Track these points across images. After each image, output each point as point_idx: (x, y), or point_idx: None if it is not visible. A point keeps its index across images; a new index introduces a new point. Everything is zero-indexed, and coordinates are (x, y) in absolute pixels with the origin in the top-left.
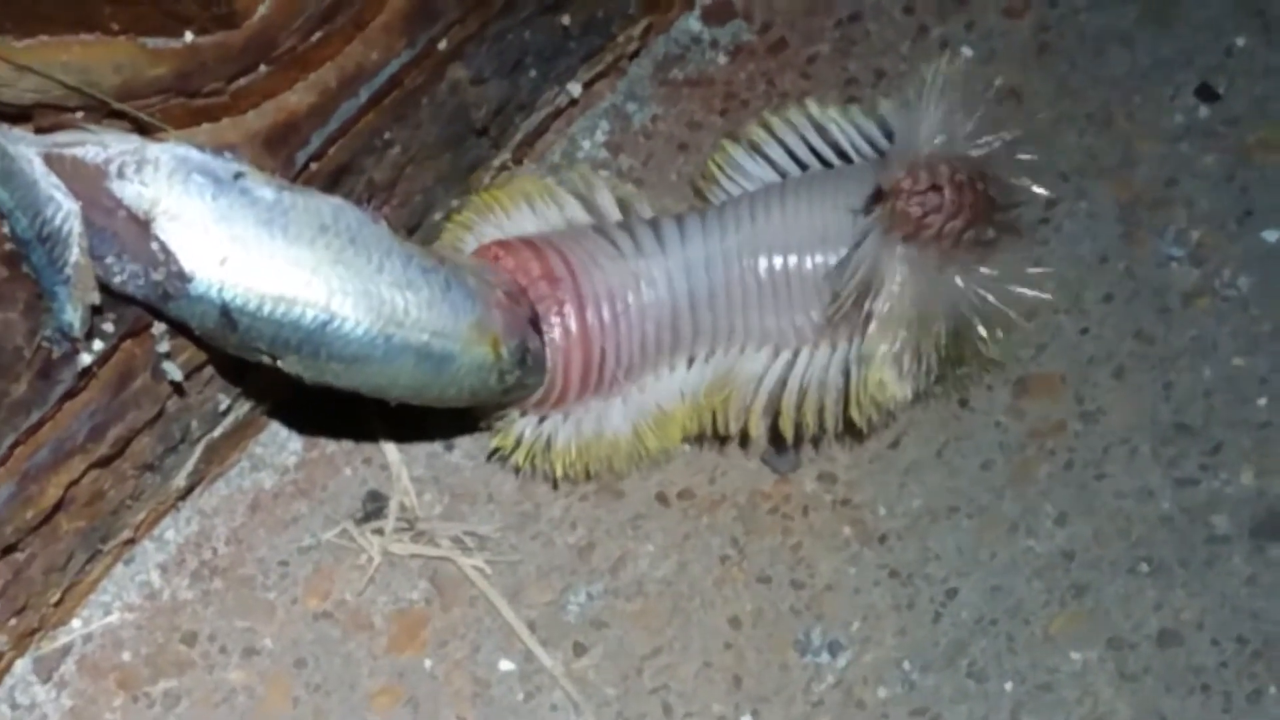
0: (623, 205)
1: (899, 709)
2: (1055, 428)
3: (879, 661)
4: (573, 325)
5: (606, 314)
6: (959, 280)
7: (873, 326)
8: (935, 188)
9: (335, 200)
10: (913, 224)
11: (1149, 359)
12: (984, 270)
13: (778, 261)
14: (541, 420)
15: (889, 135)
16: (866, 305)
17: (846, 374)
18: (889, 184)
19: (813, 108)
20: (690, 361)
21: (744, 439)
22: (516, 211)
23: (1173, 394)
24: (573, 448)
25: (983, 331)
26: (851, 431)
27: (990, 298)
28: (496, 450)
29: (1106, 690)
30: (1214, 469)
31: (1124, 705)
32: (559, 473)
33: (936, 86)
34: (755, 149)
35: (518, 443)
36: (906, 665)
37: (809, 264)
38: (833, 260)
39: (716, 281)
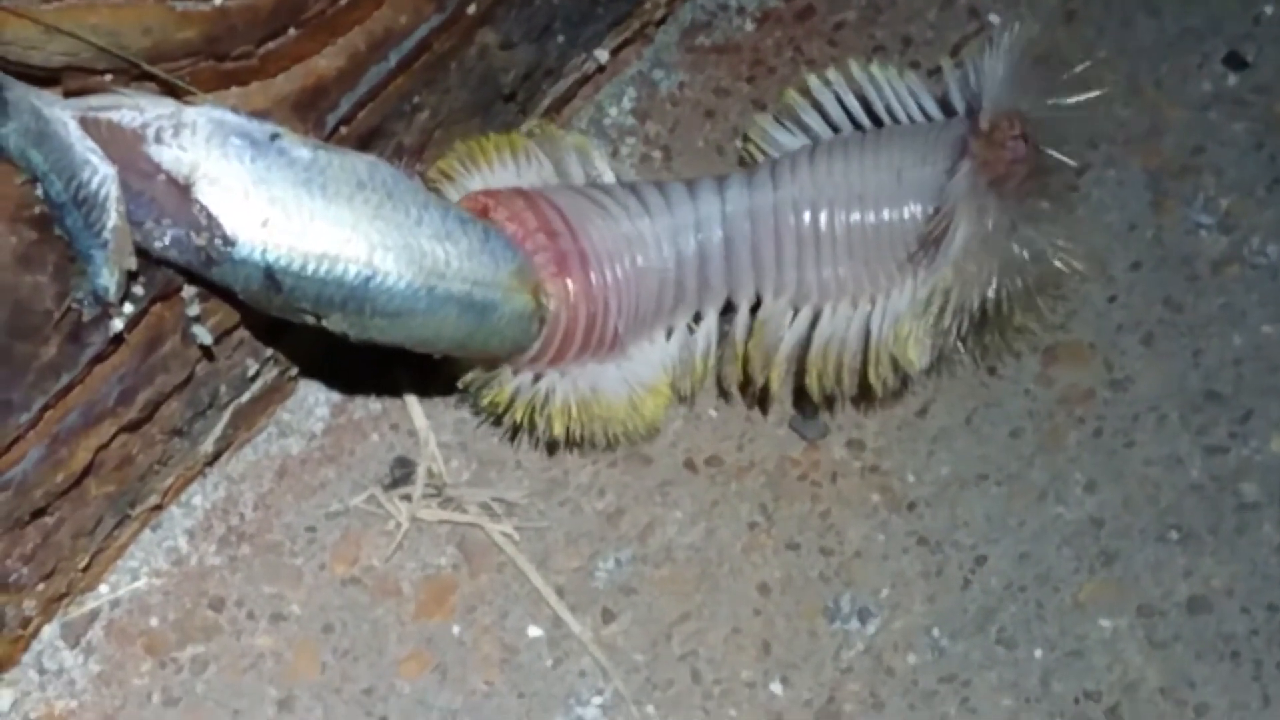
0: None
1: (928, 675)
2: (1084, 395)
3: (908, 628)
4: (574, 279)
5: (609, 270)
6: (1031, 234)
7: (944, 269)
8: (1023, 136)
9: (369, 157)
10: (1004, 167)
11: (1178, 327)
12: (1048, 228)
13: (810, 217)
14: (537, 378)
15: (944, 96)
16: (945, 245)
17: (867, 334)
18: (987, 124)
19: (864, 68)
20: (696, 320)
21: (764, 402)
22: (500, 164)
23: (1202, 361)
24: (572, 405)
25: (1039, 290)
26: (878, 398)
27: (1052, 256)
28: (489, 407)
29: (1136, 657)
30: (1243, 436)
31: (1154, 672)
32: (558, 430)
33: (1013, 46)
34: (799, 109)
35: (512, 400)
36: (936, 632)
37: (844, 220)
38: (871, 217)
39: (736, 237)
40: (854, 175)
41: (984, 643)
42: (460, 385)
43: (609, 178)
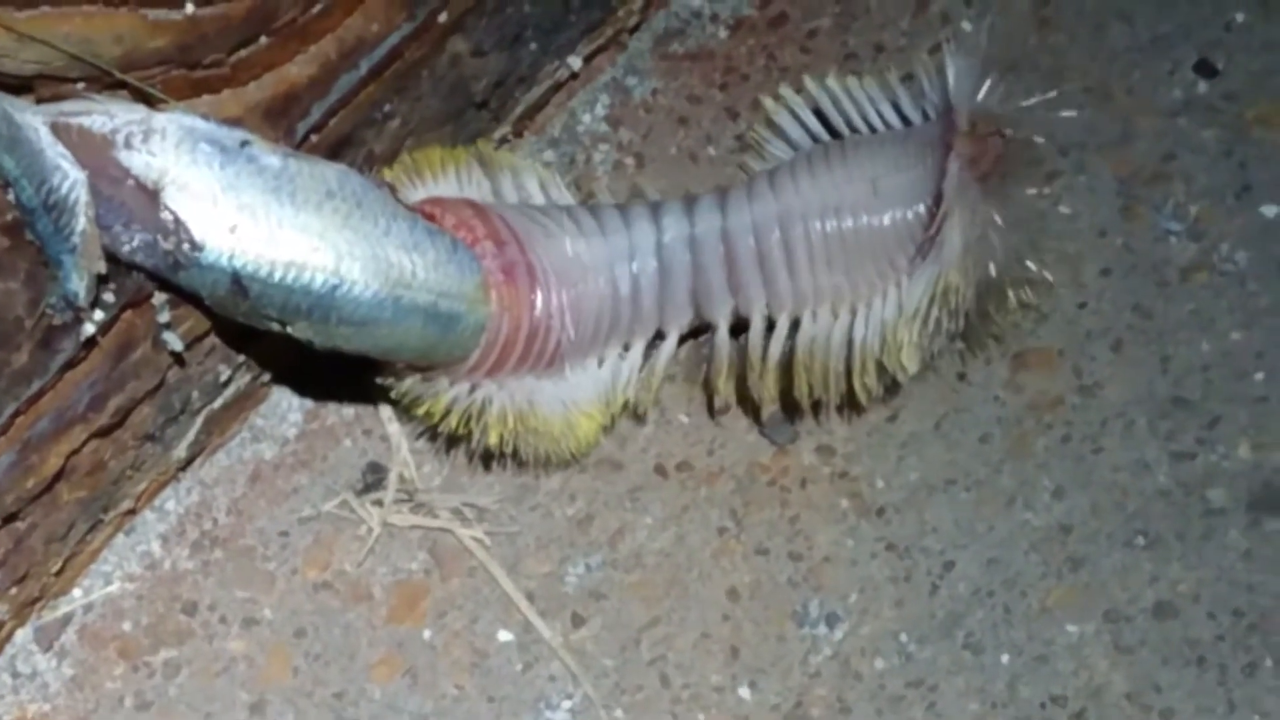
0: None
1: (896, 680)
2: (1053, 402)
3: (876, 633)
4: (519, 288)
5: (554, 285)
6: (1015, 230)
7: (945, 270)
8: (1000, 133)
9: (339, 167)
10: (989, 163)
11: (1147, 333)
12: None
13: (788, 233)
14: (474, 389)
15: (910, 101)
16: (942, 246)
17: (850, 343)
18: (966, 122)
19: (825, 82)
20: (650, 341)
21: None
22: (444, 177)
23: (1170, 368)
24: (509, 415)
25: (1026, 284)
26: (851, 404)
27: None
28: (424, 417)
29: (1102, 662)
30: (1211, 443)
31: (1120, 677)
32: (492, 439)
33: (978, 46)
34: (775, 123)
35: (448, 410)
36: (903, 637)
37: (822, 233)
38: (849, 228)
39: (707, 258)
40: (828, 188)
41: (951, 648)
42: (394, 396)
43: (551, 197)
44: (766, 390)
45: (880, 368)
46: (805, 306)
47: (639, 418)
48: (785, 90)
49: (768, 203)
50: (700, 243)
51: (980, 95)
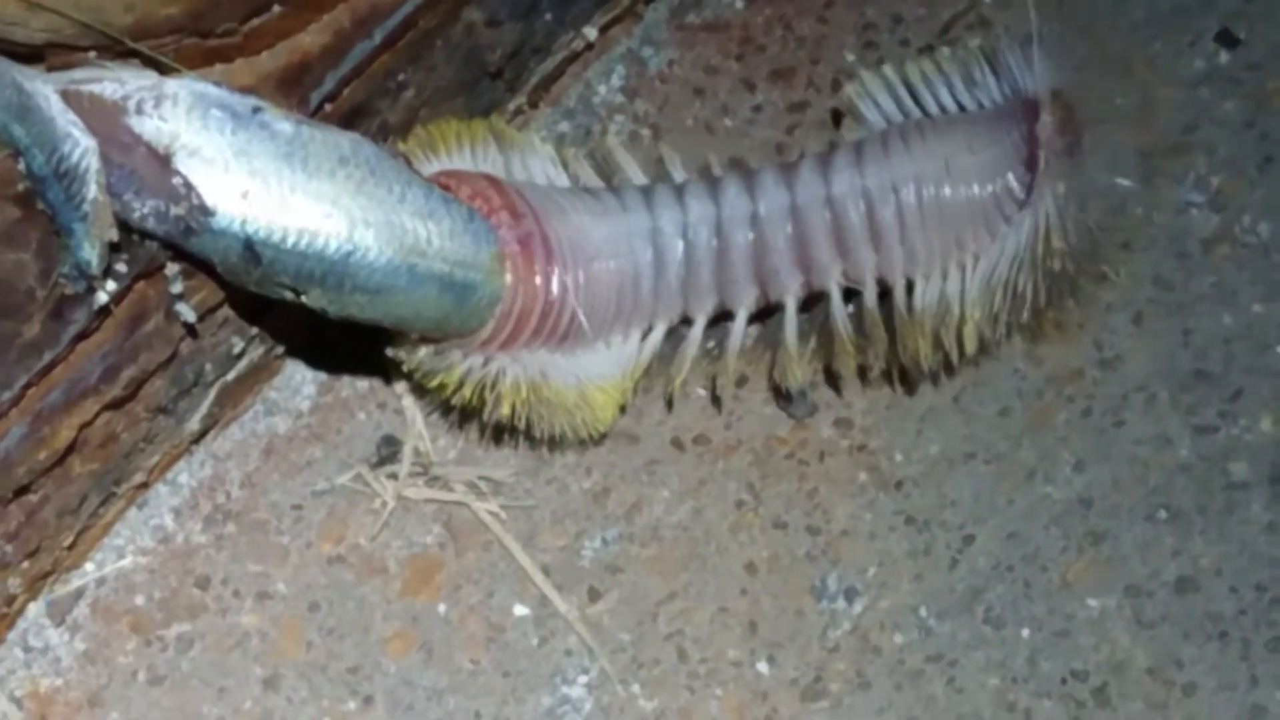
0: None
1: (915, 655)
2: (1073, 375)
3: (895, 607)
4: (537, 262)
5: (571, 259)
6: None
7: (1026, 249)
8: (1074, 116)
9: (353, 135)
10: (1074, 135)
11: (1168, 306)
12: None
13: (865, 208)
14: (487, 361)
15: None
16: (1029, 227)
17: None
18: (1050, 108)
19: (903, 69)
20: (676, 324)
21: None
22: (459, 151)
23: (1192, 341)
24: (522, 386)
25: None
26: (866, 377)
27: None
28: (437, 389)
29: (1124, 637)
30: (1233, 416)
31: (1141, 652)
32: (505, 410)
33: (1043, 27)
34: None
35: (461, 382)
36: (923, 611)
37: (899, 209)
38: (922, 203)
39: (735, 243)
40: (904, 165)
41: (971, 622)
42: (406, 368)
43: (561, 182)
44: (846, 366)
45: (936, 340)
46: (898, 272)
47: (716, 402)
48: (866, 75)
49: (843, 180)
50: (733, 223)
51: (1054, 77)
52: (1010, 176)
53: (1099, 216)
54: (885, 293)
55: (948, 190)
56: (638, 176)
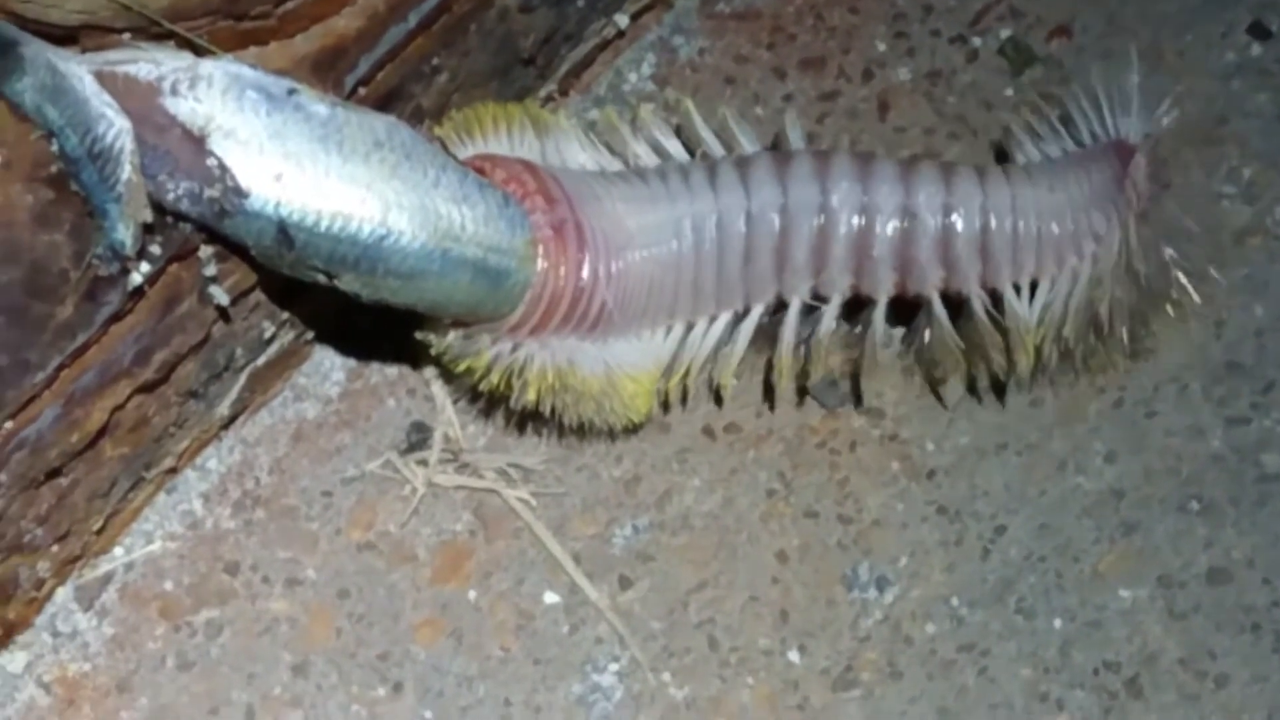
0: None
1: (946, 644)
2: (1105, 365)
3: (927, 597)
4: (569, 249)
5: (604, 248)
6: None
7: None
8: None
9: (388, 118)
10: (1155, 194)
11: (1200, 297)
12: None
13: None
14: (515, 347)
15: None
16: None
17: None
18: (1139, 156)
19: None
20: (711, 321)
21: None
22: (495, 135)
23: (1224, 332)
24: (549, 372)
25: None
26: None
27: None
28: (465, 373)
29: (1156, 628)
30: (1265, 408)
31: (1173, 643)
32: (530, 396)
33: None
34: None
35: (489, 367)
36: (954, 601)
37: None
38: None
39: (764, 234)
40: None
41: (1003, 612)
42: (434, 353)
43: (596, 167)
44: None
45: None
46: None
47: (718, 399)
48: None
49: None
50: (799, 212)
51: (1145, 125)
52: (1097, 212)
53: (1176, 256)
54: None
55: (1040, 218)
56: (679, 151)
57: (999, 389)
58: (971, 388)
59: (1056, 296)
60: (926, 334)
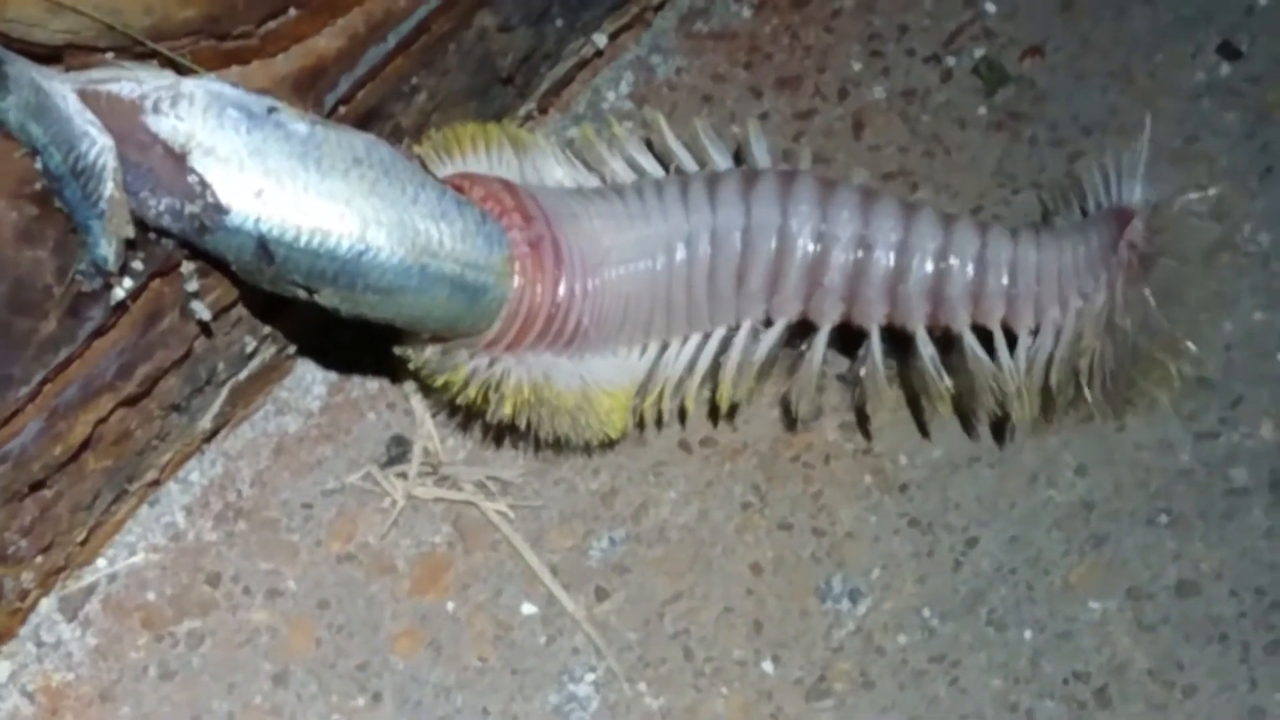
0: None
1: (918, 655)
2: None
3: (899, 609)
4: (545, 265)
5: (580, 266)
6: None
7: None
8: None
9: (367, 135)
10: (1147, 261)
11: (1169, 315)
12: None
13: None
14: (492, 362)
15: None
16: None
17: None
18: (1136, 224)
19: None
20: (683, 341)
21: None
22: (474, 154)
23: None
24: (525, 387)
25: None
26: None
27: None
28: (443, 388)
29: (1125, 639)
30: (1233, 422)
31: (1142, 654)
32: (507, 410)
33: (1143, 144)
34: None
35: (466, 382)
36: (926, 612)
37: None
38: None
39: (757, 252)
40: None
41: (974, 624)
42: (412, 368)
43: (574, 185)
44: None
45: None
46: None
47: (729, 416)
48: None
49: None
50: (760, 233)
51: (1147, 194)
52: (1087, 271)
53: (1159, 325)
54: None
55: (1033, 274)
56: (655, 168)
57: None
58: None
59: (1039, 349)
60: (868, 367)
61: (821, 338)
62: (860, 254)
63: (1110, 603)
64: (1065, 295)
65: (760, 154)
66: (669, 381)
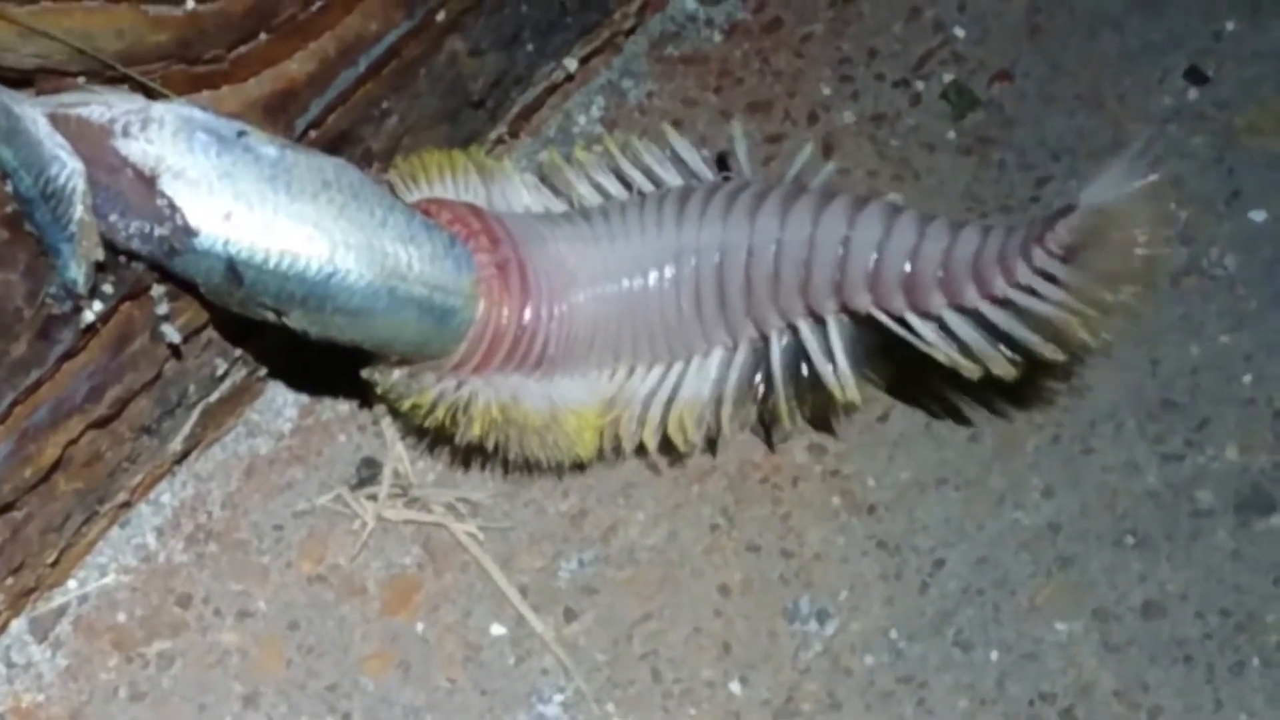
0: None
1: (885, 677)
2: (1043, 402)
3: (866, 630)
4: (512, 288)
5: (547, 290)
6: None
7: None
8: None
9: (337, 160)
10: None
11: (1136, 336)
12: None
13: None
14: (460, 384)
15: None
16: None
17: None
18: (1084, 216)
19: None
20: (649, 368)
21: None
22: (440, 182)
23: (1159, 370)
24: (493, 408)
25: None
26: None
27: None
28: (410, 410)
29: (1091, 660)
30: (1199, 444)
31: (1108, 675)
32: (476, 431)
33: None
34: None
35: (434, 405)
36: (893, 634)
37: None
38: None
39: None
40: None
41: (941, 645)
42: (379, 391)
43: (541, 210)
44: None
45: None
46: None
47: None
48: None
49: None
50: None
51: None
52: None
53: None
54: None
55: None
56: (620, 192)
57: (941, 424)
58: (918, 421)
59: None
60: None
61: (777, 347)
62: (814, 251)
63: (1076, 624)
64: (975, 280)
65: (744, 157)
66: (632, 409)
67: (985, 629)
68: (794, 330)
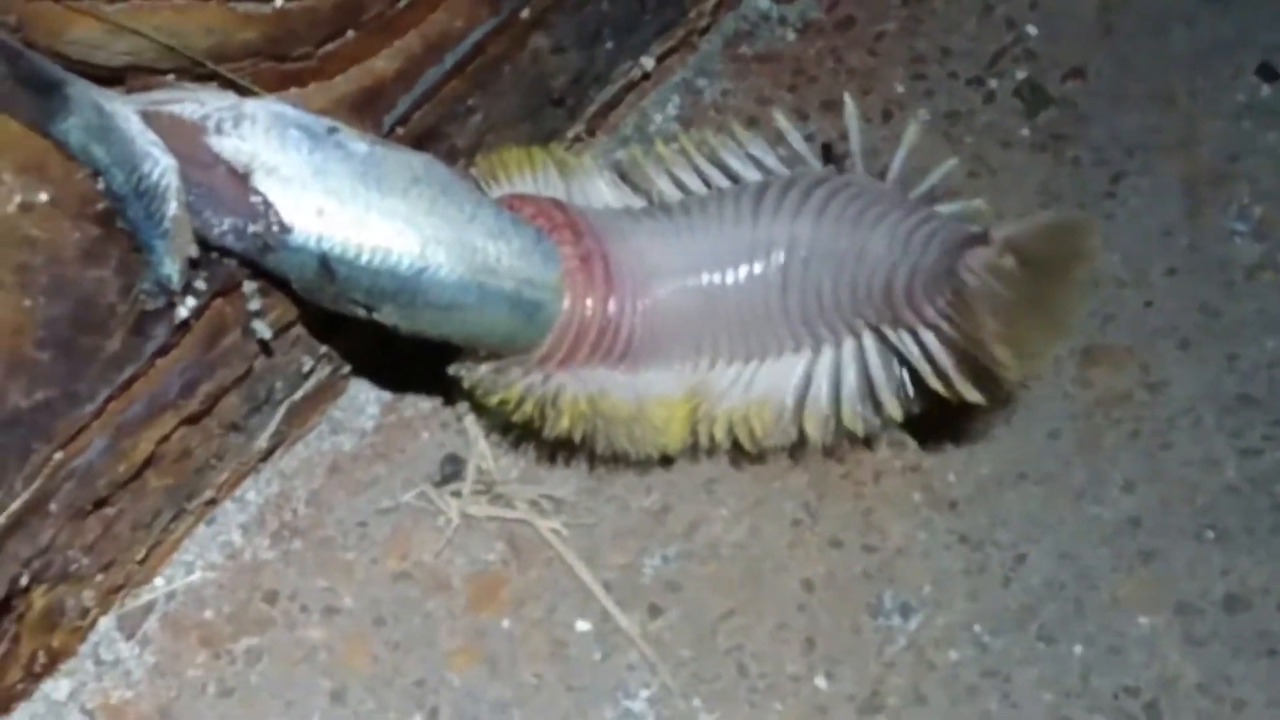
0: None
1: (970, 670)
2: (1121, 398)
3: (950, 624)
4: (596, 281)
5: (631, 283)
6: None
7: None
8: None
9: (425, 155)
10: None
11: (1213, 331)
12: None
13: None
14: (547, 378)
15: None
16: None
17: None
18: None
19: None
20: (731, 364)
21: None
22: (520, 179)
23: (1237, 366)
24: (581, 400)
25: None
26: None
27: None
28: (498, 405)
29: (1174, 654)
30: (1277, 439)
31: (1191, 669)
32: (565, 424)
33: None
34: None
35: (522, 399)
36: (977, 628)
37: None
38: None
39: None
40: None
41: (1024, 639)
42: (467, 386)
43: (621, 205)
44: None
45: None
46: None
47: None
48: None
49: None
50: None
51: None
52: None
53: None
54: None
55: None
56: (699, 187)
57: (1020, 420)
58: (997, 417)
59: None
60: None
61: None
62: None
63: (1159, 618)
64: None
65: (855, 136)
66: (710, 403)
67: (1068, 623)
68: (879, 334)
